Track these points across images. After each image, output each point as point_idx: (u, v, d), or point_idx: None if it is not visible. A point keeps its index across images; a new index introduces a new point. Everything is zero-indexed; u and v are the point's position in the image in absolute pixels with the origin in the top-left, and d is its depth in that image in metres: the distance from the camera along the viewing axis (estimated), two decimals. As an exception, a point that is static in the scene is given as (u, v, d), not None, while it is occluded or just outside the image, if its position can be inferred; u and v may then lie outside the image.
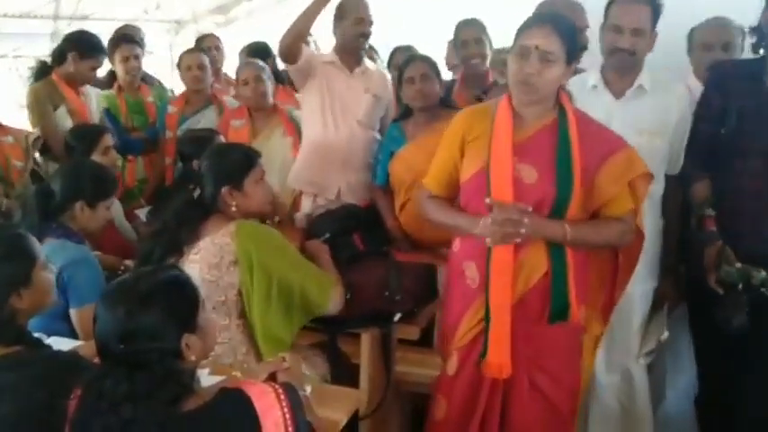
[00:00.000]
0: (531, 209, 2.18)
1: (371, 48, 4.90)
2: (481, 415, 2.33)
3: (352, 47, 3.62)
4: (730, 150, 2.57)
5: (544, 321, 2.27)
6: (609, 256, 2.39)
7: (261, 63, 3.93)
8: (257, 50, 4.54)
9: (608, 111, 2.55)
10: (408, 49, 4.54)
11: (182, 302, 1.63)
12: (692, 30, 3.23)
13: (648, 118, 2.68)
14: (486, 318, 2.26)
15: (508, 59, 2.25)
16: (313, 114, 3.63)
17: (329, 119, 3.60)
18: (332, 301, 2.47)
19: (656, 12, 2.67)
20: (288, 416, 1.58)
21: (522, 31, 2.22)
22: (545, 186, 2.21)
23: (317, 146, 3.61)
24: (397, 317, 2.64)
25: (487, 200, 2.19)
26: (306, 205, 3.69)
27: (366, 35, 3.61)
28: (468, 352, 2.34)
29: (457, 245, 2.41)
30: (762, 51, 2.60)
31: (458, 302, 2.37)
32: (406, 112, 3.49)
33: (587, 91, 2.77)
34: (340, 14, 3.57)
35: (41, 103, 3.84)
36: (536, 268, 2.24)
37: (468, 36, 3.85)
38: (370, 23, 3.59)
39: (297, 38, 3.42)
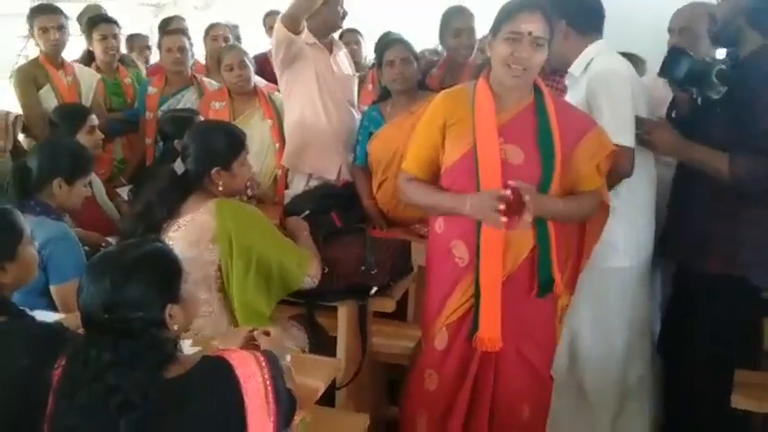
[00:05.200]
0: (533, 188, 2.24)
1: (355, 31, 4.96)
2: (471, 385, 2.43)
3: (331, 28, 3.67)
4: None
5: (532, 295, 2.35)
6: (574, 229, 2.47)
7: (243, 47, 3.96)
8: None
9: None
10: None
11: (165, 274, 1.66)
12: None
13: (573, 102, 2.64)
14: (477, 294, 2.33)
15: (495, 43, 2.29)
16: (308, 97, 3.64)
17: (327, 102, 3.64)
18: (309, 275, 2.53)
19: None
20: (269, 382, 1.60)
21: (512, 15, 2.25)
22: (532, 166, 2.29)
23: (317, 129, 3.64)
24: (373, 290, 2.70)
25: (512, 183, 2.20)
26: (299, 185, 3.74)
27: (344, 16, 3.66)
28: (458, 327, 2.42)
29: (440, 225, 2.45)
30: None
31: (445, 281, 2.43)
32: (384, 94, 3.54)
33: None
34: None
35: (25, 83, 3.85)
36: (524, 244, 2.32)
37: (462, 25, 3.85)
38: (342, 4, 3.62)
39: (310, 7, 3.42)
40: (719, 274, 2.58)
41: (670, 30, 3.15)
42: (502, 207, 2.20)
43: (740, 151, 2.44)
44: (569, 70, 2.74)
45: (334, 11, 3.58)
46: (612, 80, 2.60)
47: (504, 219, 2.20)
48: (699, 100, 2.64)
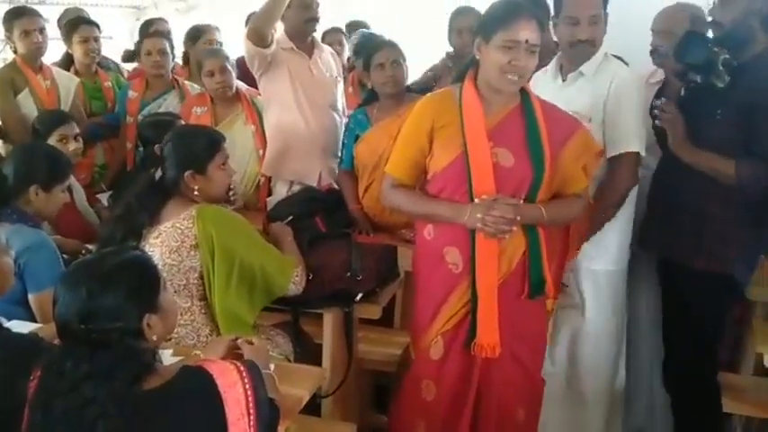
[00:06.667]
0: (521, 201, 2.27)
1: (340, 30, 4.93)
2: (475, 394, 2.41)
3: (302, 32, 3.64)
4: None
5: (524, 297, 2.35)
6: (558, 232, 2.47)
7: (224, 52, 3.92)
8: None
9: (552, 95, 2.58)
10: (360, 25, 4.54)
11: (143, 282, 1.63)
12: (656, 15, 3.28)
13: (581, 101, 2.69)
14: (474, 301, 2.32)
15: (489, 49, 2.27)
16: (284, 103, 3.63)
17: (305, 107, 3.62)
18: (293, 282, 2.49)
19: None
20: (250, 392, 1.59)
21: (508, 22, 2.23)
22: (523, 167, 2.29)
23: (295, 134, 3.62)
24: (359, 297, 2.66)
25: (486, 197, 2.25)
26: (281, 191, 3.71)
27: (313, 19, 3.62)
28: (454, 335, 2.40)
29: (430, 231, 2.43)
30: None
31: (438, 288, 2.41)
32: (370, 97, 3.51)
33: (538, 75, 2.81)
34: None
35: (1, 87, 3.78)
36: (517, 248, 2.32)
37: (464, 24, 3.79)
38: (317, 6, 3.59)
39: (269, 21, 3.42)
40: (705, 270, 2.60)
41: (653, 31, 3.16)
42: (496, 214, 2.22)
43: (742, 154, 2.47)
44: (582, 69, 2.76)
45: (298, 14, 3.55)
46: (639, 89, 2.72)
47: (509, 228, 2.23)
48: (687, 89, 2.67)
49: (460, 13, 3.89)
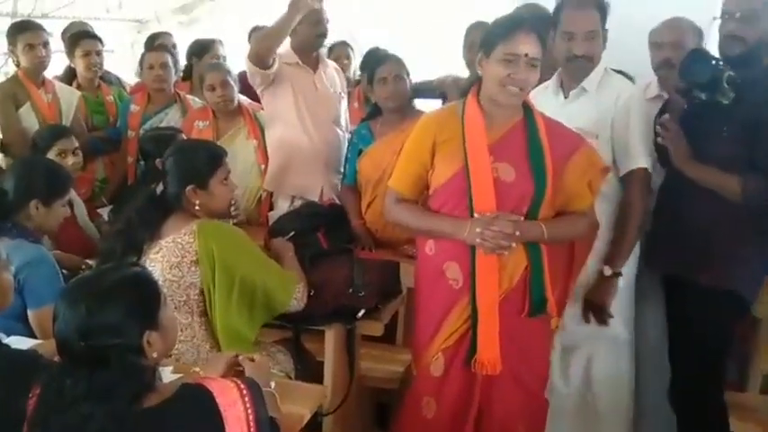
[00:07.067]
0: (522, 218, 2.25)
1: (347, 44, 4.93)
2: (477, 411, 2.39)
3: (311, 47, 3.65)
4: None
5: (525, 315, 2.33)
6: (562, 250, 2.45)
7: (226, 66, 3.92)
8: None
9: (554, 111, 2.58)
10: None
11: (143, 299, 1.61)
12: (650, 31, 3.28)
13: (586, 118, 2.67)
14: (474, 317, 2.30)
15: (489, 63, 2.27)
16: (287, 118, 3.64)
17: (307, 122, 3.63)
18: (294, 299, 2.47)
19: (603, 13, 2.69)
20: (250, 411, 1.57)
21: (508, 36, 2.23)
22: (524, 183, 2.28)
23: (297, 149, 3.63)
24: (361, 313, 2.64)
25: (481, 214, 2.24)
26: (283, 206, 3.70)
27: (323, 35, 3.64)
28: (454, 352, 2.38)
29: (431, 246, 2.42)
30: None
31: (438, 304, 2.40)
32: (374, 112, 3.51)
33: (539, 90, 2.80)
34: None
35: (4, 101, 3.78)
36: (518, 264, 2.30)
37: (476, 39, 3.80)
38: (327, 22, 3.61)
39: (272, 45, 3.47)
40: (711, 287, 2.58)
41: (657, 44, 3.13)
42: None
43: (748, 170, 2.46)
44: (584, 84, 2.75)
45: (309, 30, 3.57)
46: (644, 105, 2.71)
47: (509, 244, 2.22)
48: (692, 105, 2.66)
49: (475, 28, 3.89)
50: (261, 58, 3.49)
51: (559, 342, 2.80)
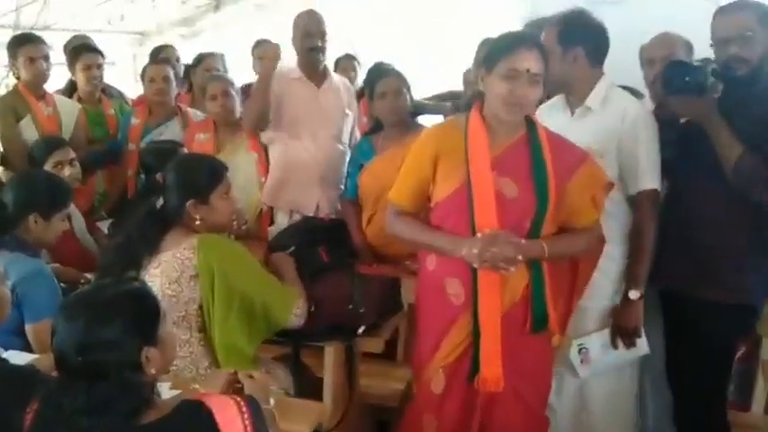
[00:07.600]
0: (524, 234, 2.23)
1: (352, 57, 4.93)
2: (477, 428, 2.37)
3: (306, 61, 3.66)
4: None
5: (526, 331, 2.31)
6: (565, 267, 2.44)
7: (228, 77, 3.92)
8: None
9: (562, 128, 2.55)
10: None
11: (142, 315, 1.60)
12: (641, 47, 3.28)
13: (591, 136, 2.62)
14: (476, 333, 2.29)
15: (492, 78, 2.26)
16: (287, 133, 3.65)
17: (306, 136, 3.63)
18: (294, 314, 2.45)
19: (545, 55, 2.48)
20: (249, 428, 1.56)
21: (509, 52, 2.22)
22: (526, 199, 2.26)
23: (295, 164, 3.63)
24: (361, 329, 2.64)
25: (482, 233, 2.22)
26: (282, 221, 3.70)
27: (316, 49, 3.62)
28: (455, 369, 2.36)
29: (433, 262, 2.40)
30: None
31: (439, 320, 2.38)
32: (375, 126, 3.51)
33: (545, 107, 2.80)
34: (292, 31, 3.60)
35: (4, 114, 3.78)
36: (519, 281, 2.29)
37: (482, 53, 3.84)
38: (322, 36, 3.61)
39: (260, 116, 3.57)
40: (716, 301, 2.57)
41: (650, 60, 3.12)
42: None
43: (752, 151, 2.44)
44: (587, 103, 2.71)
45: (299, 44, 3.61)
46: (652, 124, 2.67)
47: (508, 268, 2.20)
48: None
49: (485, 44, 3.91)
50: (256, 126, 3.62)
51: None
